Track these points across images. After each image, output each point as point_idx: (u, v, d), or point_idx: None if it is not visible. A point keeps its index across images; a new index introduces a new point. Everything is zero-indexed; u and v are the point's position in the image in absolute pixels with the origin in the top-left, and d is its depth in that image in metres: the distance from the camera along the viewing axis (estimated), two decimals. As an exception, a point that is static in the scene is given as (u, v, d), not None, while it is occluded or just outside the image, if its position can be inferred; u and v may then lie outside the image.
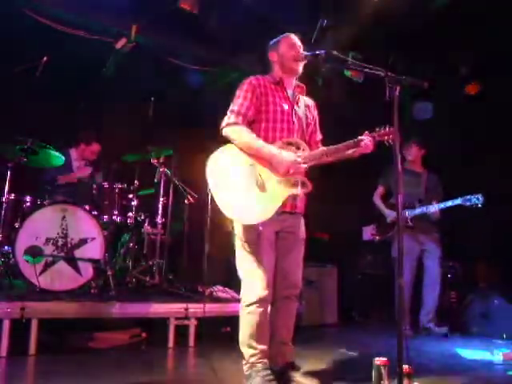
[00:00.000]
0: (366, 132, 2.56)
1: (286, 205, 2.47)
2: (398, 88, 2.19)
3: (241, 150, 2.46)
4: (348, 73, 5.35)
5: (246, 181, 2.41)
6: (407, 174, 4.69)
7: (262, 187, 2.40)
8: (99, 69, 4.85)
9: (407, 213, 4.54)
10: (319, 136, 2.79)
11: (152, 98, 4.81)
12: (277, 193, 2.41)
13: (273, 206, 2.38)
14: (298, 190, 2.43)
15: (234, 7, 4.71)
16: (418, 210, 4.55)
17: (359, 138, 2.54)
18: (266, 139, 2.50)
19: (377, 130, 2.58)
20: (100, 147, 4.90)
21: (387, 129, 2.55)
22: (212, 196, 2.40)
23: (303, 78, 2.72)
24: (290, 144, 2.52)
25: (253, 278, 2.42)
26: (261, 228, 2.37)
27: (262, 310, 2.41)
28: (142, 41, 4.88)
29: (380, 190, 4.90)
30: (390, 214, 4.71)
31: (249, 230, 2.42)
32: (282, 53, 2.64)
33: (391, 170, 4.69)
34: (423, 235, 4.66)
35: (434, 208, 4.46)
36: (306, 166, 2.47)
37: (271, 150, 2.44)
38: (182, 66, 5.31)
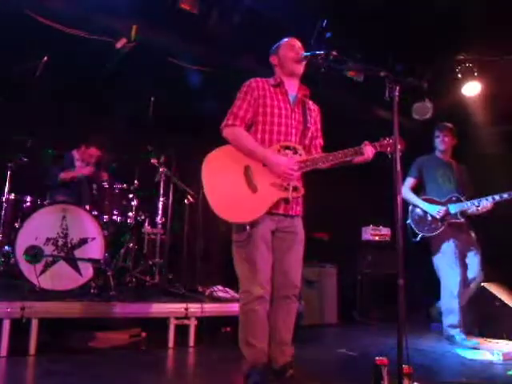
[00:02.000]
0: (366, 142, 2.57)
1: (279, 207, 2.48)
2: (397, 88, 2.19)
3: (237, 150, 2.49)
4: (348, 73, 5.36)
5: (239, 181, 2.43)
6: (441, 165, 4.38)
7: (254, 188, 2.42)
8: (99, 69, 4.85)
9: (450, 207, 4.16)
10: (321, 142, 2.78)
11: (152, 98, 4.81)
12: (267, 195, 2.43)
13: (262, 207, 2.40)
14: (289, 194, 2.45)
15: (234, 7, 4.72)
16: (467, 205, 4.12)
17: (360, 147, 2.54)
18: (262, 141, 2.53)
19: (381, 139, 2.59)
20: (99, 152, 4.85)
21: (389, 140, 2.55)
22: (204, 194, 2.42)
23: (304, 79, 2.72)
24: (287, 148, 2.53)
25: (249, 278, 2.43)
26: (248, 228, 2.39)
27: (259, 308, 2.41)
28: (141, 41, 4.88)
29: (411, 182, 4.38)
30: (437, 210, 4.16)
31: (240, 230, 2.44)
32: (282, 55, 2.65)
33: (426, 161, 4.40)
34: (470, 231, 4.28)
35: (488, 202, 4.03)
36: (299, 172, 2.49)
37: (265, 152, 2.46)
38: (182, 66, 5.31)
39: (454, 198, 4.22)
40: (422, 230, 4.24)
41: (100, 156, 4.88)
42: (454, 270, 4.09)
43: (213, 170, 2.46)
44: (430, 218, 4.22)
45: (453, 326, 4.09)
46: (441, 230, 4.16)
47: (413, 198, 4.32)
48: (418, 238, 4.25)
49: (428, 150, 4.58)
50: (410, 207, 4.37)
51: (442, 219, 4.15)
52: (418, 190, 4.39)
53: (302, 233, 2.62)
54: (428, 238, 4.25)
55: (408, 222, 4.35)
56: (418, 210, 4.31)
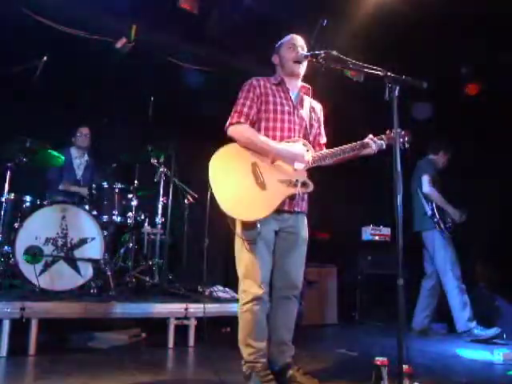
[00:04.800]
0: (371, 135, 2.57)
1: (284, 204, 2.48)
2: (397, 88, 2.19)
3: (244, 147, 2.48)
4: (348, 73, 5.36)
5: (247, 179, 2.43)
6: (436, 169, 4.69)
7: (262, 185, 2.41)
8: (99, 69, 4.85)
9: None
10: (323, 139, 2.79)
11: (152, 98, 4.81)
12: (277, 191, 2.43)
13: (272, 204, 2.40)
14: (298, 190, 2.44)
15: (234, 7, 4.71)
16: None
17: (365, 140, 2.55)
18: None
19: (387, 132, 2.60)
20: (89, 130, 4.92)
21: (392, 132, 2.56)
22: (212, 194, 2.41)
23: (305, 78, 2.72)
24: (294, 143, 2.54)
25: (249, 277, 2.43)
26: (259, 226, 2.38)
27: (258, 308, 2.41)
28: (141, 41, 4.88)
29: (431, 180, 4.57)
30: (458, 215, 4.55)
31: (248, 228, 2.42)
32: (283, 55, 2.66)
33: (435, 165, 4.67)
34: None
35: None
36: (310, 162, 2.50)
37: (276, 144, 2.47)
38: (182, 66, 5.31)
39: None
40: (446, 229, 4.50)
41: (90, 135, 4.92)
42: (456, 266, 4.42)
43: (220, 169, 2.44)
44: (449, 219, 4.51)
45: (470, 320, 4.24)
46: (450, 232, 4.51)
47: (440, 197, 4.54)
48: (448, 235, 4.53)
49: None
50: (434, 204, 4.53)
51: (454, 224, 4.52)
52: None
53: (306, 233, 2.62)
54: (448, 241, 4.53)
55: (436, 219, 4.52)
56: (442, 209, 4.53)
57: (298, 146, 2.52)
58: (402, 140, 2.56)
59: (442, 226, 4.47)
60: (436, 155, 4.75)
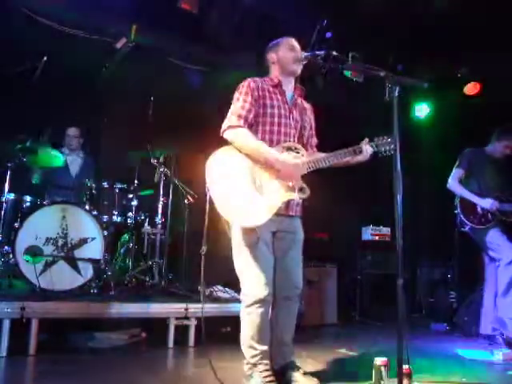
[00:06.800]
0: (366, 139, 2.57)
1: (280, 208, 2.47)
2: (397, 88, 2.19)
3: (243, 152, 2.46)
4: (348, 73, 5.36)
5: (245, 183, 2.41)
6: (490, 162, 4.29)
7: (260, 190, 2.41)
8: (99, 69, 4.85)
9: (500, 206, 4.04)
10: (315, 140, 2.79)
11: (152, 98, 4.81)
12: (275, 197, 2.42)
13: (270, 209, 2.39)
14: (296, 195, 2.44)
15: (234, 7, 4.72)
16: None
17: (359, 146, 2.54)
18: (263, 142, 2.51)
19: (375, 139, 2.59)
20: (77, 131, 4.88)
21: (384, 138, 2.56)
22: (210, 197, 2.40)
23: (303, 78, 2.72)
24: (289, 149, 2.52)
25: (251, 280, 2.42)
26: (258, 231, 2.38)
27: (261, 310, 2.41)
28: (141, 41, 4.88)
29: (460, 174, 4.25)
30: (490, 202, 4.02)
31: (247, 233, 2.42)
32: (282, 54, 2.65)
33: (475, 155, 4.27)
34: None
35: None
36: (306, 171, 2.48)
37: (274, 153, 2.45)
38: (182, 66, 5.31)
39: (503, 198, 4.09)
40: (472, 222, 4.12)
41: (80, 135, 4.88)
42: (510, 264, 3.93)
43: (217, 172, 2.42)
44: (480, 211, 4.09)
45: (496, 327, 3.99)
46: (492, 223, 4.04)
47: (461, 190, 4.19)
48: (467, 228, 4.17)
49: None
50: (458, 198, 4.26)
51: (494, 214, 4.03)
52: (463, 182, 4.27)
53: (301, 233, 2.62)
54: (477, 233, 4.13)
55: (457, 211, 4.26)
56: (467, 201, 4.17)
57: (292, 159, 2.48)
58: (388, 148, 2.52)
59: (465, 220, 4.14)
60: (492, 145, 4.31)
